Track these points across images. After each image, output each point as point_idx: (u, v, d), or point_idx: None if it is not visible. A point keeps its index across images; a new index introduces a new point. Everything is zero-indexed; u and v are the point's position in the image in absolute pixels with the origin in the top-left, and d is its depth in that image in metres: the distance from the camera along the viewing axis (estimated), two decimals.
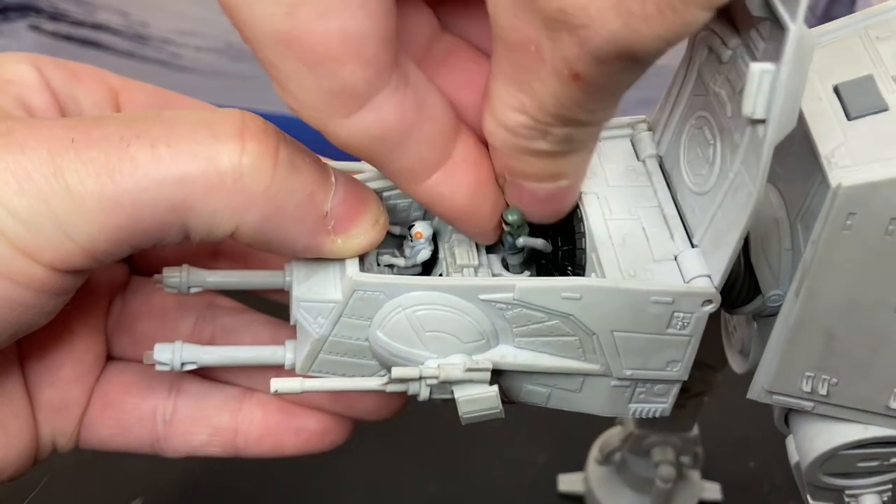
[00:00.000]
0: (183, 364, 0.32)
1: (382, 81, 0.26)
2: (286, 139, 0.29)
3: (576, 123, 0.26)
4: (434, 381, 0.30)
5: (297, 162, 0.29)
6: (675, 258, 0.31)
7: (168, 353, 0.32)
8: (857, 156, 0.27)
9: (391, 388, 0.30)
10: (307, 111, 0.26)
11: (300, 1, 0.24)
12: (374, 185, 0.32)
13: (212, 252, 0.37)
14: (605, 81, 0.24)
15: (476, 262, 0.31)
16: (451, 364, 0.30)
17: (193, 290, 0.34)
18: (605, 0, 0.22)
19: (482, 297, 0.29)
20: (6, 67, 0.32)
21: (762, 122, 0.25)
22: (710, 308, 0.30)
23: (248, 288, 0.36)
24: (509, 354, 0.31)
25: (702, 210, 0.30)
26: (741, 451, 0.60)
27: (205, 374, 0.36)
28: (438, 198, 0.29)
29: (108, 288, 0.37)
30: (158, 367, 0.32)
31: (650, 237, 0.31)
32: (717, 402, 0.51)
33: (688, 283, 0.30)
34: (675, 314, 0.30)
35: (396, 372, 0.30)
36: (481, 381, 0.30)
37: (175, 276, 0.34)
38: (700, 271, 0.30)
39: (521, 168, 0.28)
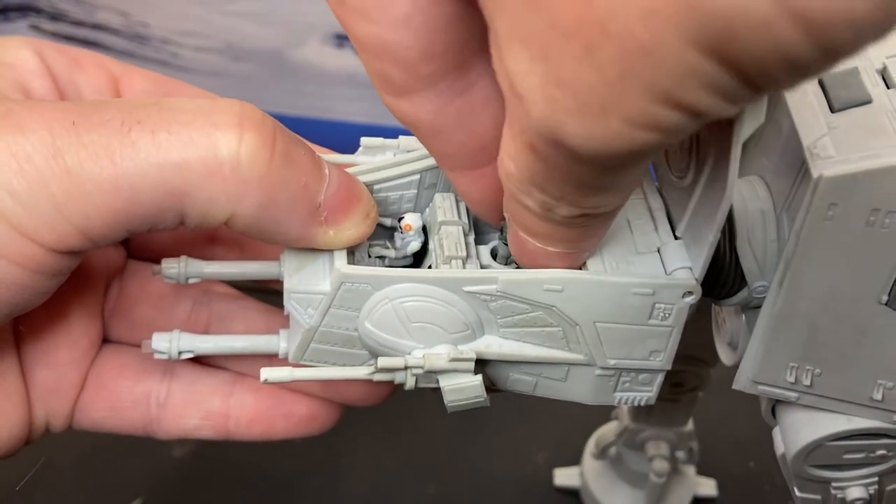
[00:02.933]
0: (180, 353, 0.33)
1: (421, 85, 0.26)
2: (283, 131, 0.29)
3: (549, 195, 0.25)
4: (419, 371, 0.30)
5: (293, 153, 0.29)
6: (658, 250, 0.31)
7: (166, 342, 0.33)
8: (839, 147, 0.27)
9: (378, 377, 0.31)
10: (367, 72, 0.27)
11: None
12: (365, 178, 0.33)
13: (209, 238, 0.38)
14: (558, 163, 0.23)
15: (464, 254, 0.31)
16: (436, 354, 0.30)
17: (191, 281, 0.35)
18: (534, 77, 0.21)
19: (466, 289, 0.30)
20: (7, 51, 0.33)
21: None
22: (690, 299, 0.30)
23: (245, 278, 0.36)
24: (494, 344, 0.31)
25: (682, 203, 0.31)
26: (741, 450, 0.61)
27: (198, 359, 0.37)
28: (458, 187, 0.30)
29: (105, 272, 0.37)
30: (156, 356, 0.33)
31: (634, 229, 0.31)
32: (716, 402, 0.52)
33: (669, 274, 0.30)
34: (657, 305, 0.30)
35: (382, 362, 0.30)
36: (466, 371, 0.30)
37: (173, 267, 0.35)
38: (681, 263, 0.30)
39: (514, 213, 0.28)
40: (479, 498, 0.60)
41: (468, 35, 0.26)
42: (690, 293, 0.30)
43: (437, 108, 0.27)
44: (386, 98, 0.27)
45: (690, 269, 0.30)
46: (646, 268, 0.31)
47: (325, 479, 0.60)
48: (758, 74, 0.18)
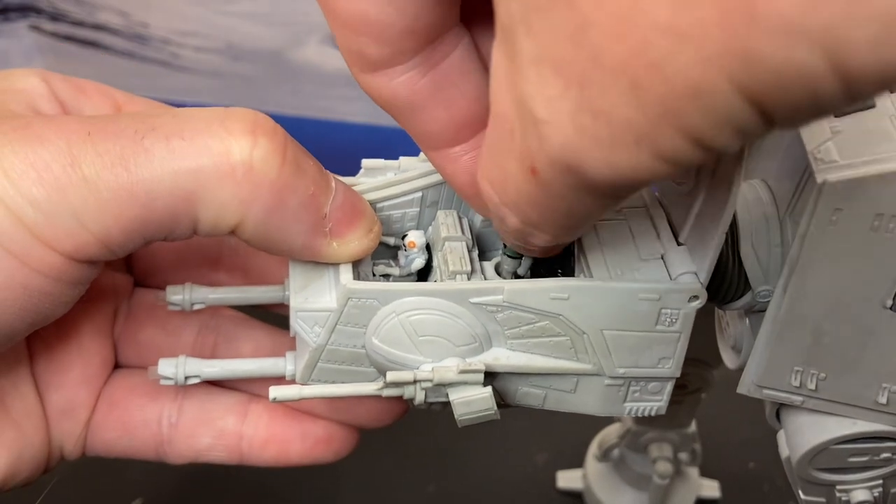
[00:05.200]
0: (186, 378, 0.33)
1: (397, 59, 0.27)
2: (293, 141, 0.30)
3: (531, 224, 0.26)
4: (428, 384, 0.30)
5: (302, 163, 0.30)
6: (662, 257, 0.31)
7: (171, 368, 0.33)
8: (843, 152, 0.27)
9: (387, 392, 0.31)
10: (340, 50, 0.27)
11: None
12: (368, 197, 0.33)
13: (212, 263, 0.38)
14: (559, 191, 0.23)
15: (469, 269, 0.31)
16: (445, 367, 0.30)
17: (196, 307, 0.35)
18: (565, 103, 0.21)
19: (473, 300, 0.30)
20: (17, 79, 0.33)
21: None
22: (696, 304, 0.30)
23: (249, 303, 0.36)
24: (502, 356, 0.31)
25: (685, 209, 0.31)
26: (741, 451, 0.61)
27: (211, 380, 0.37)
28: (440, 170, 0.30)
29: (113, 295, 0.37)
30: (163, 382, 0.33)
31: (637, 237, 0.32)
32: (717, 403, 0.52)
33: (674, 280, 0.30)
34: (663, 311, 0.30)
35: (391, 376, 0.30)
36: (475, 383, 0.30)
37: (178, 294, 0.35)
38: (686, 268, 0.30)
39: (493, 222, 0.28)
40: (480, 498, 0.60)
41: (446, 8, 0.26)
42: (696, 297, 0.30)
43: (414, 80, 0.27)
44: (361, 76, 0.27)
45: (695, 273, 0.30)
46: (650, 274, 0.31)
47: (324, 479, 0.60)
48: (784, 118, 0.19)
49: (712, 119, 0.19)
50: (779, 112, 0.19)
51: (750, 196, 0.31)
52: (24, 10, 0.74)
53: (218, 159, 0.28)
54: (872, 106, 0.28)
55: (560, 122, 0.21)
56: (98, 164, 0.28)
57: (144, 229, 0.29)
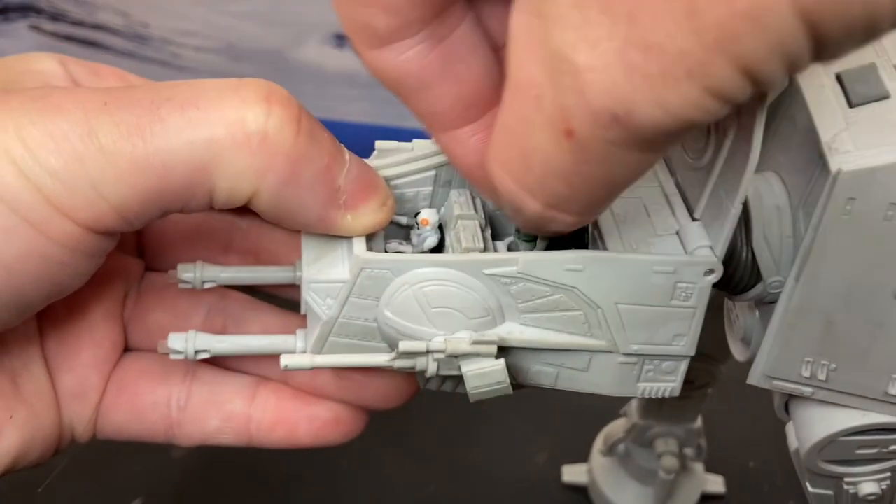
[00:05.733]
0: (196, 352, 0.33)
1: (406, 32, 0.26)
2: (307, 111, 0.30)
3: (555, 205, 0.25)
4: (441, 356, 0.30)
5: (317, 133, 0.30)
6: (677, 233, 0.31)
7: (182, 342, 0.33)
8: (857, 142, 0.27)
9: (399, 363, 0.30)
10: (343, 27, 0.27)
11: None
12: (381, 174, 0.33)
13: (224, 246, 0.38)
14: (600, 151, 0.23)
15: (482, 246, 0.31)
16: (458, 338, 0.30)
17: (207, 286, 0.35)
18: (612, 43, 0.21)
19: (487, 271, 0.30)
20: (35, 61, 0.33)
21: None
22: (712, 277, 0.30)
23: (260, 283, 0.36)
24: (515, 330, 0.31)
25: (701, 184, 0.31)
26: (743, 450, 0.61)
27: (219, 362, 0.37)
28: (449, 152, 0.30)
29: (123, 278, 0.37)
30: (172, 356, 0.33)
31: (652, 214, 0.31)
32: (719, 403, 0.52)
33: (690, 253, 0.30)
34: (678, 284, 0.30)
35: (404, 346, 0.30)
36: (488, 355, 0.30)
37: (189, 272, 0.35)
38: (701, 242, 0.30)
39: (508, 204, 0.27)
40: (480, 497, 0.60)
41: None
42: (712, 271, 0.30)
43: (422, 55, 0.27)
44: (368, 53, 0.27)
45: (711, 247, 0.30)
46: (666, 249, 0.30)
47: (324, 479, 0.60)
48: (835, 41, 0.19)
49: (767, 43, 0.19)
50: (831, 34, 0.19)
51: (763, 188, 0.31)
52: (24, 10, 0.74)
53: (233, 128, 0.28)
54: (887, 96, 0.28)
55: (606, 64, 0.21)
56: (115, 133, 0.28)
57: (161, 199, 0.29)
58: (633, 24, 0.20)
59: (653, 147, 0.23)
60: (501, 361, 0.30)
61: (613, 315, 0.31)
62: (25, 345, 0.34)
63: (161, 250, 0.38)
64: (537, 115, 0.23)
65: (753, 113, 0.26)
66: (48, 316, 0.35)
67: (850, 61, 0.29)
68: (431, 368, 0.30)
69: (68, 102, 0.28)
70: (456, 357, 0.30)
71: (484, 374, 0.30)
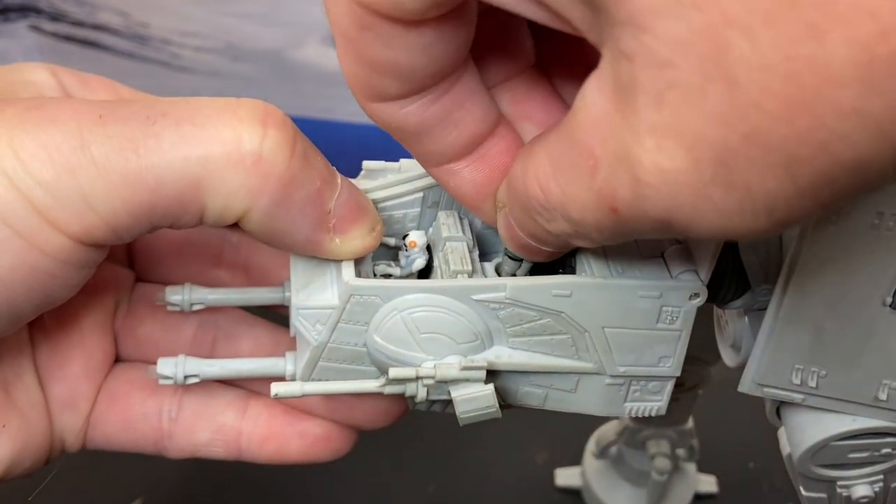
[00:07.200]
0: (186, 377, 0.33)
1: (415, 96, 0.27)
2: (302, 134, 0.30)
3: (585, 239, 0.26)
4: (430, 381, 0.30)
5: (310, 156, 0.30)
6: (663, 255, 0.31)
7: (171, 367, 0.33)
8: None
9: (389, 389, 0.31)
10: (347, 79, 0.27)
11: (368, 24, 0.24)
12: (370, 196, 0.33)
13: (214, 260, 0.38)
14: (635, 229, 0.23)
15: (470, 268, 0.32)
16: (447, 364, 0.30)
17: (196, 308, 0.35)
18: (688, 177, 0.21)
19: (475, 297, 0.30)
20: (27, 71, 0.34)
21: None
22: (697, 301, 0.30)
23: (249, 304, 0.37)
24: (504, 354, 0.31)
25: None
26: (741, 451, 0.61)
27: None
28: (443, 184, 0.30)
29: (114, 289, 0.38)
30: (162, 381, 0.33)
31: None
32: (716, 404, 0.52)
33: (674, 278, 0.30)
34: (664, 308, 0.31)
35: (393, 372, 0.30)
36: (477, 380, 0.30)
37: (177, 294, 0.35)
38: (686, 266, 0.31)
39: (523, 224, 0.28)
40: (480, 497, 0.60)
41: (467, 45, 0.26)
42: (697, 295, 0.30)
43: (425, 108, 0.27)
44: (368, 105, 0.27)
45: (696, 271, 0.30)
46: (651, 273, 0.31)
47: (324, 479, 0.60)
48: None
49: (862, 185, 0.20)
50: None
51: None
52: (24, 10, 0.74)
53: (228, 147, 0.28)
54: None
55: (671, 192, 0.21)
56: (108, 146, 0.28)
57: (152, 214, 0.29)
58: (721, 166, 0.20)
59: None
60: (490, 387, 0.30)
61: (600, 338, 0.31)
62: (17, 354, 0.34)
63: (152, 262, 0.39)
64: (588, 179, 0.23)
65: None
66: (40, 326, 0.35)
67: None
68: (421, 394, 0.31)
69: (63, 114, 0.28)
70: (445, 382, 0.30)
71: (473, 399, 0.30)
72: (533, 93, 0.30)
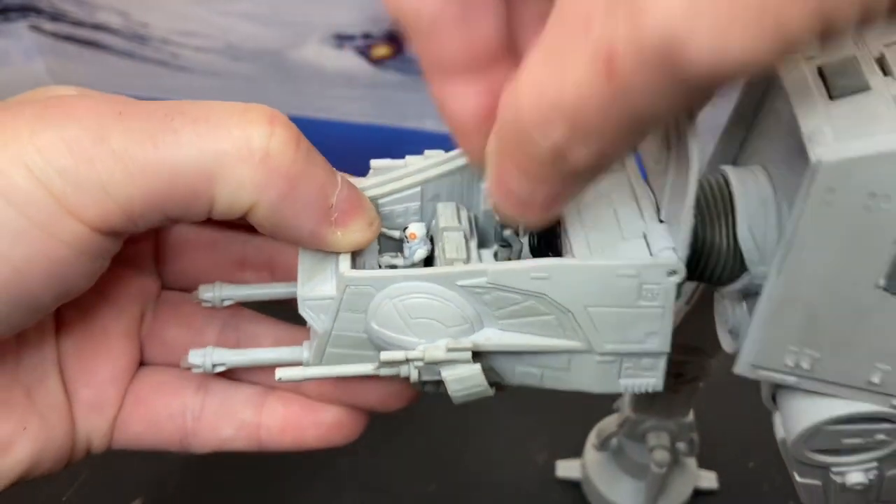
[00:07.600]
0: (214, 366, 0.36)
1: None
2: (305, 137, 0.32)
3: (579, 137, 0.25)
4: (420, 363, 0.32)
5: (313, 156, 0.32)
6: (644, 235, 0.32)
7: (200, 357, 0.36)
8: (837, 133, 0.28)
9: (383, 371, 0.33)
10: None
11: None
12: (369, 193, 0.34)
13: (238, 263, 0.40)
14: (638, 86, 0.23)
15: (465, 256, 0.33)
16: (435, 346, 0.32)
17: (226, 303, 0.38)
18: None
19: (460, 283, 0.31)
20: (59, 91, 0.35)
21: None
22: (675, 278, 0.31)
23: (273, 298, 0.38)
24: (493, 336, 0.32)
25: (661, 186, 0.32)
26: (743, 450, 0.61)
27: (229, 374, 0.38)
28: (443, 107, 0.30)
29: (141, 299, 0.39)
30: (193, 370, 0.36)
31: (620, 218, 0.32)
32: (717, 403, 0.52)
33: (654, 256, 0.31)
34: (644, 286, 0.31)
35: (384, 356, 0.32)
36: (464, 361, 0.32)
37: (209, 291, 0.37)
38: (665, 244, 0.31)
39: (513, 148, 0.27)
40: (481, 496, 0.60)
41: None
42: (675, 272, 0.31)
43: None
44: None
45: (674, 249, 0.31)
46: (632, 252, 0.31)
47: (324, 479, 0.60)
48: None
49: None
50: None
51: (749, 181, 0.32)
52: (24, 10, 0.74)
53: (239, 143, 0.30)
54: (868, 89, 0.29)
55: (668, 9, 0.21)
56: (127, 139, 0.29)
57: (165, 204, 0.30)
58: None
59: (694, 92, 0.23)
60: (477, 366, 0.32)
61: (584, 318, 0.32)
62: (41, 361, 0.36)
63: (178, 270, 0.40)
64: (582, 38, 0.23)
65: (688, 121, 0.28)
66: (67, 334, 0.37)
67: (831, 54, 0.29)
68: (413, 375, 0.32)
69: (82, 110, 0.30)
70: (435, 364, 0.32)
71: (462, 378, 0.32)
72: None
